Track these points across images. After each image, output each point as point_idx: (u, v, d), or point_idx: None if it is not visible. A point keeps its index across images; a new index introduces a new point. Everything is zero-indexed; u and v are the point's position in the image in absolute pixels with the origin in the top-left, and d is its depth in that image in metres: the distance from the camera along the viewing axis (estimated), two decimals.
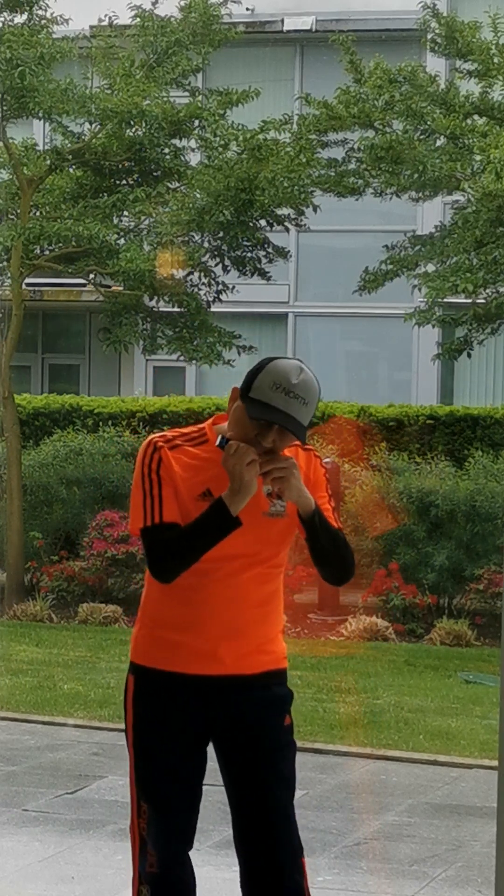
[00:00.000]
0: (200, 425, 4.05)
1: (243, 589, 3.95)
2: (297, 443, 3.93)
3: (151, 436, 4.03)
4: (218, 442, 3.91)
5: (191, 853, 4.06)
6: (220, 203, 13.92)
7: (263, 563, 3.97)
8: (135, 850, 4.02)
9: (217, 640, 3.94)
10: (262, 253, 15.04)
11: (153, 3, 14.89)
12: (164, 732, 3.98)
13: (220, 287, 15.20)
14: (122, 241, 14.64)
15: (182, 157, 14.96)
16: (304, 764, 4.16)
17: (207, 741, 4.04)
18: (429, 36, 15.23)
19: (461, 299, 14.92)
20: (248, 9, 21.00)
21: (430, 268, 14.90)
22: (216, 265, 15.04)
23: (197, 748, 4.02)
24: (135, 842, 4.02)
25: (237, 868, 4.02)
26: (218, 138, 14.62)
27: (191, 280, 15.19)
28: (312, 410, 3.92)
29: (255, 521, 3.91)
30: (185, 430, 4.03)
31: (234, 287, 15.36)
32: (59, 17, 14.43)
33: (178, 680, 3.97)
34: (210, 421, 4.05)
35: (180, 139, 15.04)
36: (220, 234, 14.55)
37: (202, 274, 15.08)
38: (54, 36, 14.46)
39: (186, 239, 14.63)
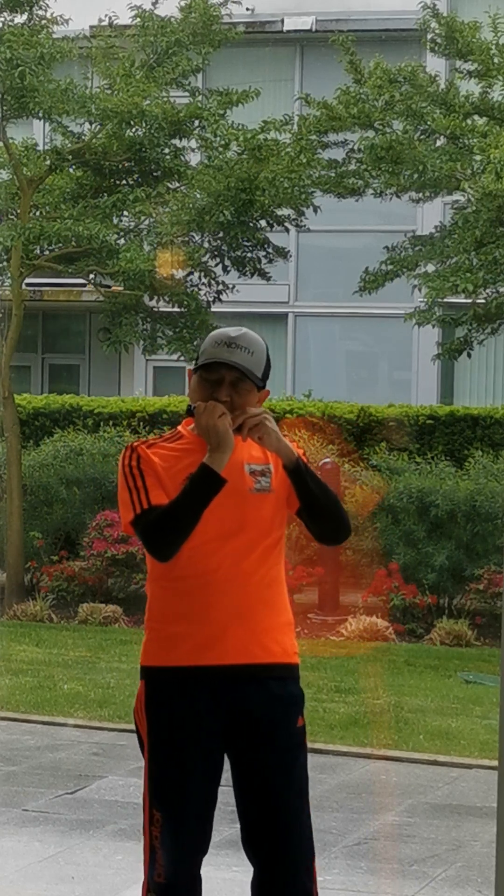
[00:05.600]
0: (174, 429, 4.18)
1: (246, 572, 3.98)
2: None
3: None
4: (186, 410, 4.04)
5: None
6: (220, 203, 13.92)
7: (261, 542, 4.01)
8: (146, 857, 4.03)
9: (224, 625, 3.96)
10: (262, 253, 15.04)
11: (153, 3, 14.88)
12: (179, 738, 3.98)
13: (221, 287, 15.19)
14: (122, 241, 14.64)
15: (182, 157, 14.95)
16: None
17: (222, 747, 4.03)
18: (429, 36, 15.20)
19: (461, 299, 14.91)
20: (248, 9, 20.96)
21: (430, 268, 14.89)
22: (216, 265, 15.04)
23: (212, 754, 4.01)
24: (146, 849, 4.03)
25: (237, 868, 4.03)
26: (218, 138, 14.62)
27: (191, 280, 15.19)
28: (262, 361, 4.04)
29: (244, 499, 3.99)
30: (160, 435, 4.18)
31: (234, 287, 15.35)
32: (59, 18, 14.42)
33: (189, 675, 3.97)
34: (183, 423, 4.17)
35: (180, 139, 15.03)
36: (220, 235, 14.55)
37: (202, 274, 15.08)
38: (54, 36, 14.44)
39: (186, 239, 14.63)
